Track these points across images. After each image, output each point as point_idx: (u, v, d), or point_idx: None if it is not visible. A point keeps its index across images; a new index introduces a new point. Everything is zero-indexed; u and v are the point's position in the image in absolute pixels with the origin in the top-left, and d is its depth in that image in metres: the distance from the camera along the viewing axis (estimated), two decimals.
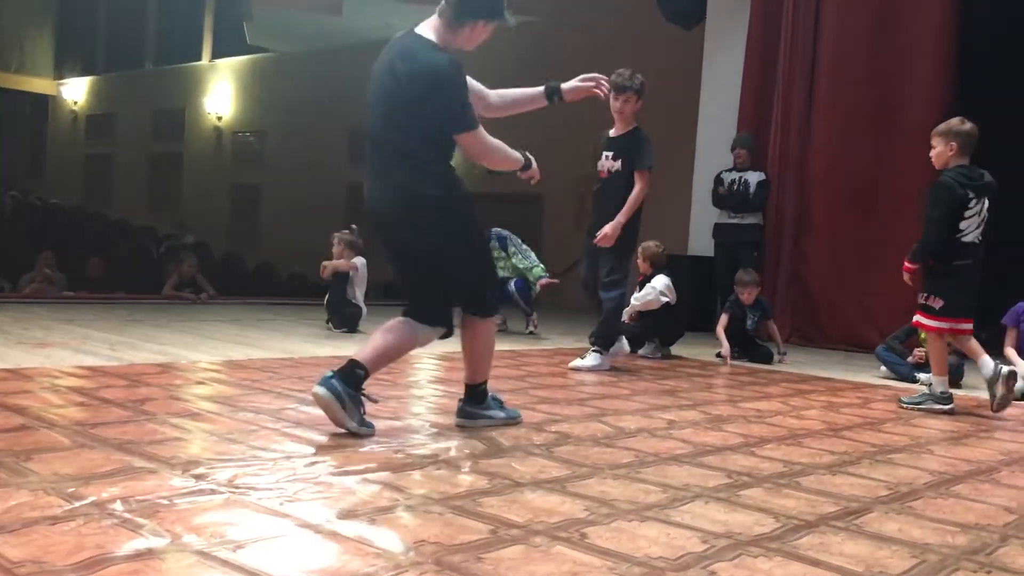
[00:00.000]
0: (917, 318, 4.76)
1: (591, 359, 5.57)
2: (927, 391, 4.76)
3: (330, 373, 3.22)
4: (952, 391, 5.53)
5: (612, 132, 5.88)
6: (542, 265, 7.90)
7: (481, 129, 3.36)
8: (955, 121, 4.69)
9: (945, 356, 4.76)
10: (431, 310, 3.39)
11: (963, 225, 4.53)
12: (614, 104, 5.70)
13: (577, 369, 5.52)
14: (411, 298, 3.43)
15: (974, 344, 4.64)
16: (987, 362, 4.54)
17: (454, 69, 3.26)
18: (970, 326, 4.65)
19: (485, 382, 3.55)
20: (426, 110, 3.22)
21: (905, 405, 4.71)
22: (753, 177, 8.30)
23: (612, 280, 5.56)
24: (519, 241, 8.01)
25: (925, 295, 4.67)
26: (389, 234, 3.40)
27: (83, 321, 6.83)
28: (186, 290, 9.86)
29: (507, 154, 3.50)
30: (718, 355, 6.44)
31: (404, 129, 3.25)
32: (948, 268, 4.56)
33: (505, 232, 7.99)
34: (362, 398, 3.25)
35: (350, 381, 3.21)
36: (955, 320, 4.60)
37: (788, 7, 8.45)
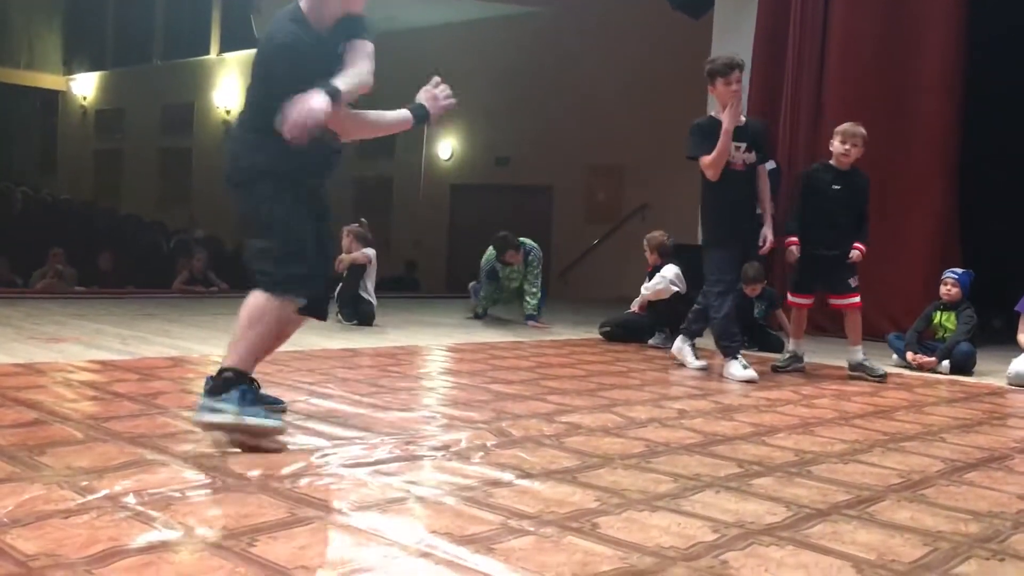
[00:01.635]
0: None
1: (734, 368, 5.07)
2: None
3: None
4: (965, 378, 5.53)
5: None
6: (537, 303, 7.75)
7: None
8: None
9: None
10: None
11: None
12: (729, 89, 5.07)
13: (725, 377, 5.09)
14: None
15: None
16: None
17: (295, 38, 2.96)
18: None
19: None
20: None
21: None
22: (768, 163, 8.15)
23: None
24: (537, 263, 7.90)
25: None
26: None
27: (94, 316, 6.86)
28: (197, 285, 9.89)
29: (385, 121, 3.20)
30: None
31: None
32: None
33: (532, 245, 7.95)
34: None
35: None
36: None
37: None
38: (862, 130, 5.32)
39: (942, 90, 7.68)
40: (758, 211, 5.31)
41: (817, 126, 8.35)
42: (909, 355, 5.84)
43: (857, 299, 5.39)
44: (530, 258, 7.87)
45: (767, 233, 5.20)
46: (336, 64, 3.00)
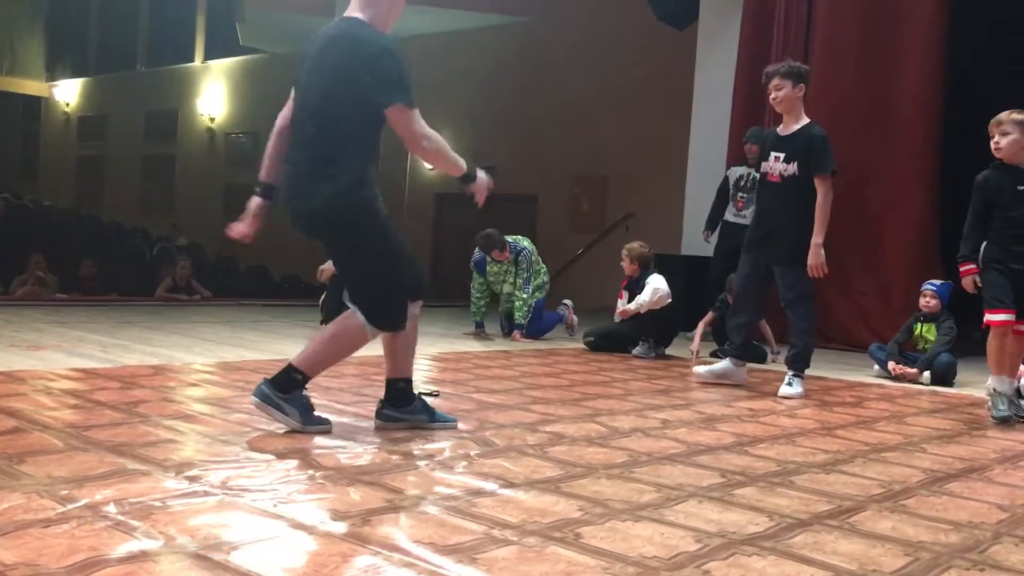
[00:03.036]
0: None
1: (796, 386, 4.90)
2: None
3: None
4: (946, 389, 5.57)
5: (780, 129, 5.06)
6: (526, 311, 7.38)
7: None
8: None
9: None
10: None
11: None
12: (771, 98, 5.01)
13: (786, 397, 4.82)
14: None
15: None
16: None
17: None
18: None
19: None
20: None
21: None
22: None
23: (799, 295, 4.96)
24: (528, 265, 7.47)
25: None
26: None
27: (76, 324, 6.81)
28: (180, 293, 9.85)
29: (448, 154, 3.33)
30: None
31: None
32: None
33: (523, 246, 7.54)
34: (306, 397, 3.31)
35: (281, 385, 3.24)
36: None
37: (780, 7, 8.46)
38: (1007, 115, 4.35)
39: (923, 98, 7.75)
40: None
41: None
42: (891, 366, 5.88)
43: None
44: (519, 259, 7.42)
45: (810, 259, 4.79)
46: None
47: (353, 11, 3.32)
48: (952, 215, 7.95)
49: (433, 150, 3.29)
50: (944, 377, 5.73)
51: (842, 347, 7.75)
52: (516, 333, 7.37)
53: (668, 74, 11.08)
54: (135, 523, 2.12)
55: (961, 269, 4.44)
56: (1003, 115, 4.34)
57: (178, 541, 2.02)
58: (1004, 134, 4.30)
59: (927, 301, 5.99)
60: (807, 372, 5.06)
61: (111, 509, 2.21)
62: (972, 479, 3.10)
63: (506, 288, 7.55)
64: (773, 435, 3.72)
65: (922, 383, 5.71)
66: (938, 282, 6.09)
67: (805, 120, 5.00)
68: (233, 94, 18.25)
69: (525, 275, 7.42)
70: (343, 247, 3.38)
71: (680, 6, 9.80)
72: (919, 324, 6.05)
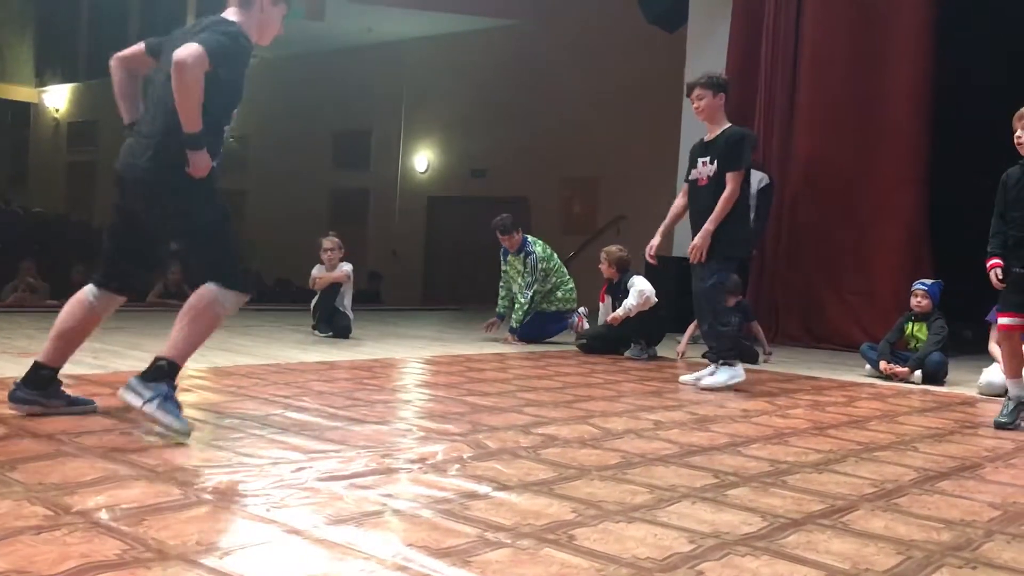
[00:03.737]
0: None
1: (722, 374, 5.06)
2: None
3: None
4: (937, 388, 5.59)
5: (706, 137, 5.28)
6: (522, 315, 7.34)
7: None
8: None
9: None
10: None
11: None
12: (693, 107, 5.27)
13: (709, 388, 5.01)
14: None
15: None
16: None
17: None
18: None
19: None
20: None
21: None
22: (754, 177, 7.85)
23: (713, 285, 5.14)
24: (532, 271, 7.39)
25: None
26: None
27: None
28: (171, 298, 9.80)
29: (195, 103, 3.18)
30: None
31: None
32: None
33: (532, 250, 7.47)
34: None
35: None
36: None
37: (769, 9, 8.50)
38: None
39: (913, 99, 7.79)
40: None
41: (790, 135, 8.45)
42: (882, 365, 5.90)
43: None
44: (527, 261, 7.39)
45: (695, 240, 5.04)
46: None
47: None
48: (942, 216, 8.01)
49: (185, 86, 3.14)
50: (935, 376, 5.75)
51: (834, 347, 7.78)
52: (508, 336, 7.37)
53: (658, 76, 11.10)
54: (127, 529, 2.11)
55: (987, 264, 4.32)
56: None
57: (171, 547, 2.01)
58: None
59: (918, 300, 6.01)
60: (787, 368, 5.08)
61: (103, 515, 2.20)
62: (964, 478, 3.11)
63: (514, 287, 7.53)
64: (766, 435, 3.73)
65: (913, 382, 5.73)
66: (929, 281, 6.11)
67: (726, 124, 5.21)
68: None
69: (529, 279, 7.39)
70: None
71: (670, 8, 9.82)
72: (910, 323, 6.07)
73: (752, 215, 7.81)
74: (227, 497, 2.43)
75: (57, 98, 21.87)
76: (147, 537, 2.07)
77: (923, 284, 6.07)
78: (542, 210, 13.72)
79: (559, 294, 7.51)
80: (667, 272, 7.76)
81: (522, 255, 7.46)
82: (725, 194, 5.02)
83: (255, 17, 3.47)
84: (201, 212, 3.33)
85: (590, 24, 12.74)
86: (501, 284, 7.67)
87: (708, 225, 5.01)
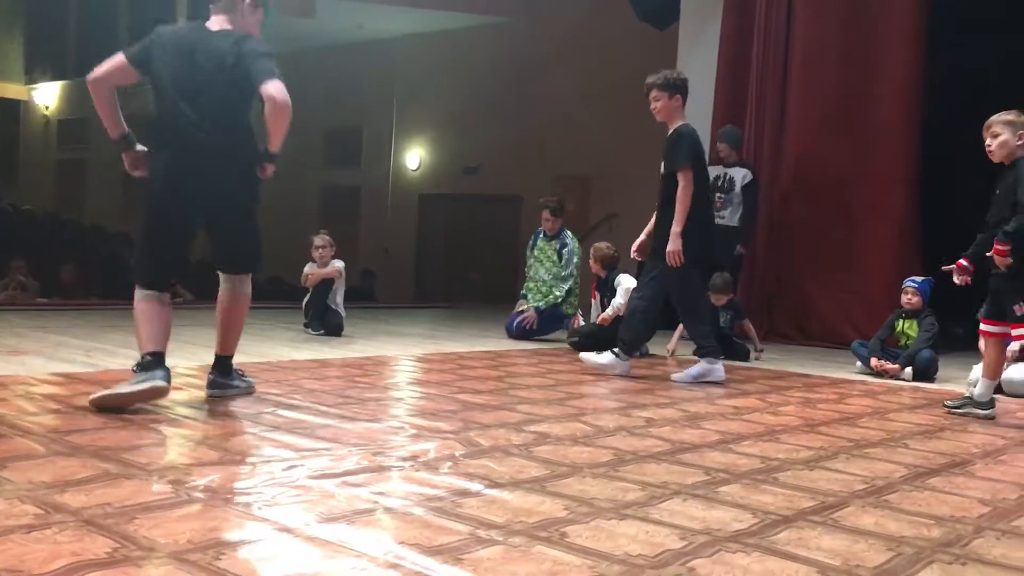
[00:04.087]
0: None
1: (695, 368, 5.25)
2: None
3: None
4: (927, 385, 5.61)
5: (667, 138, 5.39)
6: (551, 299, 7.47)
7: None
8: None
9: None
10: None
11: None
12: (651, 108, 5.36)
13: (678, 381, 5.20)
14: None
15: None
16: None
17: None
18: None
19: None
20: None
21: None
22: (738, 173, 7.88)
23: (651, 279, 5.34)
24: (570, 250, 7.54)
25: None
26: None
27: (57, 328, 6.76)
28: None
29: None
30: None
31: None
32: None
33: (568, 240, 7.61)
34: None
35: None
36: None
37: (761, 7, 8.51)
38: (997, 117, 4.31)
39: (904, 98, 7.81)
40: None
41: (781, 134, 8.47)
42: (873, 362, 5.92)
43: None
44: (562, 252, 7.54)
45: (669, 246, 5.10)
46: None
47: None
48: (932, 214, 8.03)
49: (287, 122, 3.72)
50: (925, 373, 5.77)
51: (825, 344, 7.80)
52: (531, 312, 7.44)
53: (650, 73, 11.10)
54: (118, 528, 2.11)
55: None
56: (993, 117, 4.32)
57: (162, 545, 2.01)
58: (994, 136, 4.28)
59: (909, 298, 6.03)
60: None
61: (94, 514, 2.20)
62: (954, 474, 3.13)
63: (542, 272, 7.62)
64: (757, 432, 3.74)
65: (904, 379, 5.75)
66: (919, 279, 6.14)
67: (678, 123, 5.26)
68: None
69: (565, 271, 7.55)
70: None
71: (661, 6, 9.83)
72: (901, 320, 6.10)
73: (739, 212, 7.92)
74: (218, 495, 2.43)
75: (47, 96, 21.79)
76: (138, 535, 2.06)
77: (913, 282, 6.09)
78: (535, 208, 13.71)
79: (573, 298, 7.64)
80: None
81: (556, 243, 7.60)
82: (680, 193, 5.12)
83: (238, 23, 3.78)
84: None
85: (582, 21, 12.73)
86: (530, 264, 7.77)
87: (675, 227, 5.10)
